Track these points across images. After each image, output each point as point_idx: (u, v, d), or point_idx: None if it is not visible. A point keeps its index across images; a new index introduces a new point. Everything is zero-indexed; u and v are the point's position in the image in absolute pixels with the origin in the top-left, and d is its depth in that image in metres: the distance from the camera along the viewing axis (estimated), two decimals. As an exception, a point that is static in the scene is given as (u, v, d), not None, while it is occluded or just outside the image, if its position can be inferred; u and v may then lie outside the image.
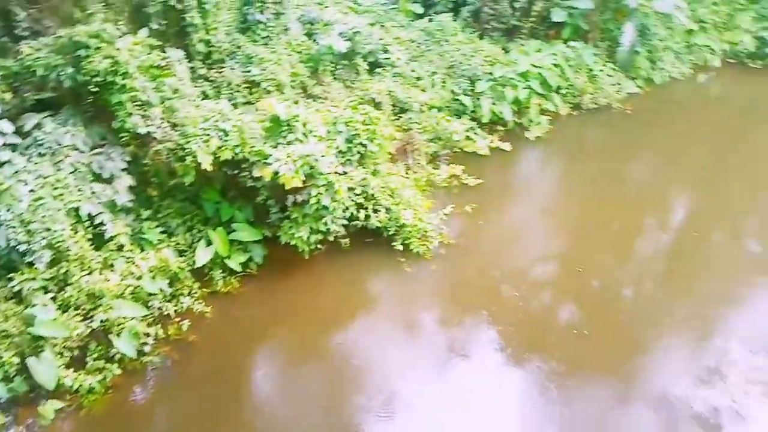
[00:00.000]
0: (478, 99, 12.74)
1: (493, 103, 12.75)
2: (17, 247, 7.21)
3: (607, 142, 13.56)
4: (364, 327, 8.84)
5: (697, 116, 14.55)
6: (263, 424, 7.57)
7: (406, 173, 11.01)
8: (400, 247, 9.59)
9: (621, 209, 11.52)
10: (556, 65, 13.47)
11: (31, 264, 7.33)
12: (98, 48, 7.89)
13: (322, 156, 8.53)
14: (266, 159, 8.40)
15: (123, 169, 8.41)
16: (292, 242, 8.78)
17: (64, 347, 7.23)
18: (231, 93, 9.92)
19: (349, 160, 9.29)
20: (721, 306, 9.78)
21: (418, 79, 12.53)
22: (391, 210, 9.54)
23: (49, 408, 6.88)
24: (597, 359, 8.80)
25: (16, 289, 7.24)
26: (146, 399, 7.58)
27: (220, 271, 8.78)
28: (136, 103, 8.19)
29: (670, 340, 9.28)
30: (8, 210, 7.13)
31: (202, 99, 9.26)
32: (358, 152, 9.33)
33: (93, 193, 8.04)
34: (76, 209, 7.79)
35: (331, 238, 9.17)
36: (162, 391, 7.70)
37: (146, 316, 7.91)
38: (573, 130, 13.50)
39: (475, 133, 12.41)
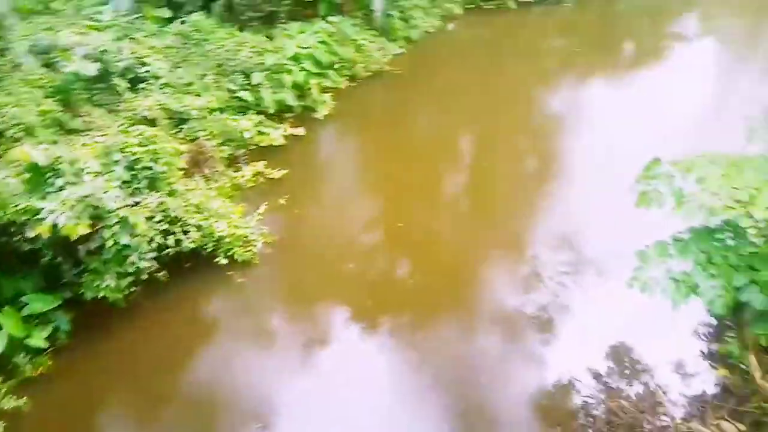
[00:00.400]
0: (258, 92, 12.59)
1: (274, 92, 12.72)
2: None
3: (388, 104, 14.44)
4: (216, 354, 8.38)
5: (455, 61, 16.18)
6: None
7: (207, 184, 10.53)
8: (225, 261, 9.21)
9: (418, 161, 12.45)
10: (322, 42, 13.83)
11: None
12: None
13: (105, 192, 7.73)
14: (38, 215, 7.35)
15: None
16: (100, 295, 7.89)
17: None
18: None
19: (137, 188, 8.55)
20: (521, 221, 11.23)
21: (189, 84, 11.92)
22: (203, 227, 9.07)
23: None
24: (437, 301, 9.54)
25: None
26: None
27: (23, 355, 7.56)
28: None
29: (491, 263, 10.45)
30: None
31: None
32: (145, 177, 8.63)
33: None
34: None
35: (146, 276, 8.44)
36: None
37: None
38: (356, 101, 14.10)
39: (266, 126, 12.29)
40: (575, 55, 16.43)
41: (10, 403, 7.13)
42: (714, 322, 8.79)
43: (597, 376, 8.37)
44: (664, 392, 8.09)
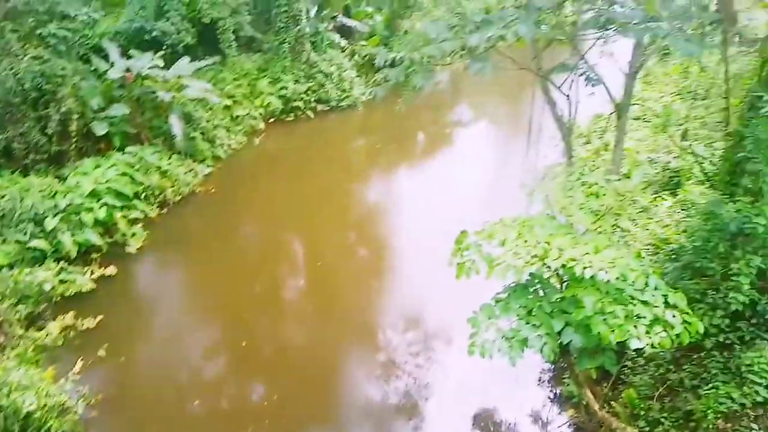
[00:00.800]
0: (54, 237, 11.35)
1: (74, 234, 11.58)
2: None
3: (205, 224, 14.03)
4: None
5: (267, 171, 16.55)
6: None
7: (3, 353, 8.93)
8: (37, 440, 7.72)
9: (249, 275, 12.15)
10: (123, 174, 13.14)
11: None
12: None
13: None
14: None
15: None
16: None
17: None
18: None
19: None
20: (364, 312, 11.37)
21: (-35, 245, 10.31)
22: (3, 407, 7.57)
23: None
24: (302, 413, 9.08)
25: None
26: None
27: None
28: None
29: (346, 360, 10.38)
30: None
31: None
32: None
33: None
34: None
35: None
36: None
37: None
38: (171, 227, 13.46)
39: (69, 273, 11.01)
40: (376, 150, 17.98)
41: None
42: (551, 367, 9.68)
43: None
44: (528, 445, 8.54)
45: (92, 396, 8.71)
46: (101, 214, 12.03)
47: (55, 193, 11.95)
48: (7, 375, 8.04)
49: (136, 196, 13.25)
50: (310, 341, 10.58)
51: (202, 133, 15.91)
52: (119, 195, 12.67)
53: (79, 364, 9.23)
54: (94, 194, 12.27)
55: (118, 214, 12.45)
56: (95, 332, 10.10)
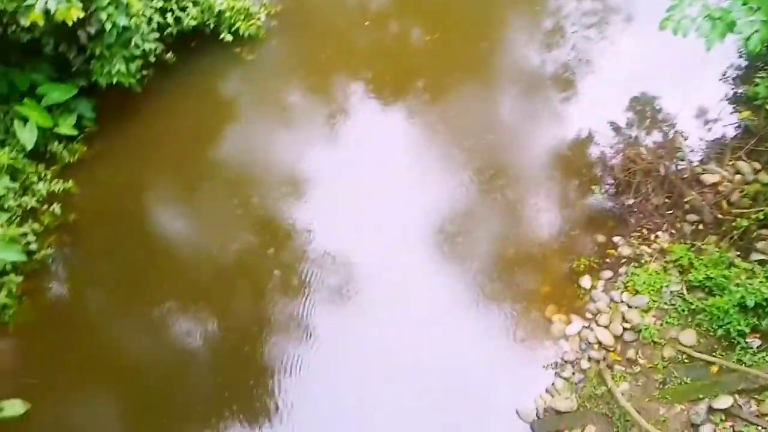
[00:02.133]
0: None
1: None
2: None
3: None
4: (233, 130, 8.61)
5: None
6: (182, 252, 7.77)
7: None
8: (230, 38, 8.80)
9: None
10: None
11: None
12: None
13: (90, -30, 7.13)
14: (25, 1, 6.94)
15: None
16: (114, 81, 7.86)
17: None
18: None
19: (124, -37, 7.83)
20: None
21: None
22: (199, 1, 8.50)
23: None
24: (456, 61, 9.21)
25: None
26: (66, 287, 7.48)
27: (57, 142, 7.95)
28: None
29: (511, 18, 9.77)
30: None
31: None
32: (127, -53, 7.83)
33: None
34: None
35: (153, 59, 8.26)
36: (76, 273, 7.57)
37: (9, 218, 7.31)
38: None
39: None
40: None
41: (59, 185, 7.74)
42: (745, 63, 8.41)
43: (617, 128, 8.41)
44: (683, 138, 8.15)
45: (272, 6, 9.37)
46: None
47: None
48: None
49: None
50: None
51: None
52: None
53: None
54: None
55: None
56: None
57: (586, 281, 7.25)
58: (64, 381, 6.89)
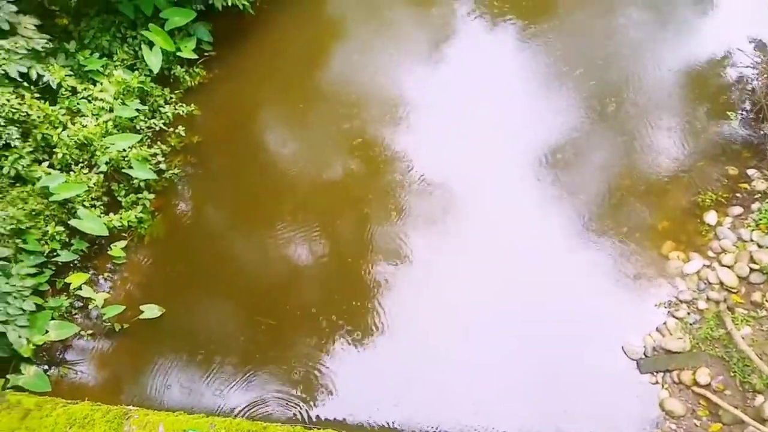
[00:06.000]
0: None
1: None
2: (-20, 138, 6.98)
3: None
4: (343, 51, 8.60)
5: None
6: (294, 173, 8.04)
7: None
8: (337, -45, 8.62)
9: None
10: None
11: (7, 146, 7.19)
12: None
13: None
14: None
15: (16, 12, 7.42)
16: (230, 3, 8.01)
17: (92, 199, 7.55)
18: None
19: None
20: None
21: None
22: None
23: (116, 249, 7.54)
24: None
25: (12, 173, 7.27)
26: (191, 205, 8.06)
27: (179, 66, 8.34)
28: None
29: None
30: (-59, 109, 6.69)
31: None
32: None
33: (7, 51, 7.29)
34: (6, 74, 7.21)
35: (264, -18, 8.31)
36: (200, 192, 8.12)
37: (141, 140, 7.93)
38: None
39: None
40: None
41: (183, 109, 8.23)
42: None
43: (761, 45, 7.43)
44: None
45: None
46: None
47: None
48: None
49: None
50: None
51: None
52: None
53: None
54: None
55: None
56: None
57: (711, 217, 6.76)
58: (189, 289, 7.64)
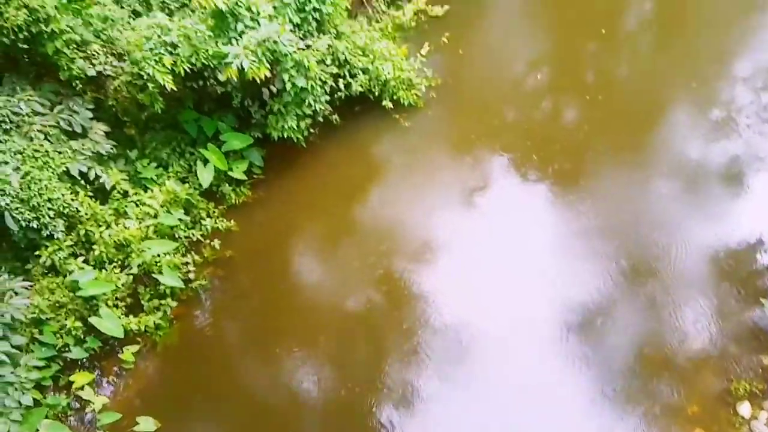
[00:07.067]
0: None
1: None
2: (30, 225, 7.27)
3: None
4: (381, 190, 9.01)
5: None
6: (316, 300, 8.10)
7: (370, 25, 10.40)
8: (391, 105, 9.36)
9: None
10: None
11: (50, 236, 7.46)
12: (6, 2, 7.19)
13: (279, 36, 8.02)
14: (225, 59, 7.96)
15: (91, 118, 8.12)
16: (285, 135, 8.63)
17: (116, 299, 7.61)
18: (161, 1, 9.13)
19: (307, 31, 8.74)
20: (716, 55, 9.64)
21: None
22: (369, 69, 9.17)
23: (128, 353, 7.44)
24: (608, 141, 8.99)
25: (48, 263, 7.45)
26: (209, 319, 8.07)
27: (228, 185, 8.81)
28: (72, 47, 7.66)
29: (675, 103, 9.35)
30: (3, 194, 7.08)
31: (135, 18, 8.59)
32: (314, 19, 8.74)
33: (74, 151, 7.87)
34: (67, 171, 7.71)
35: (321, 119, 8.99)
36: (221, 307, 8.18)
37: (177, 248, 8.15)
38: None
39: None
40: None
41: (223, 224, 8.54)
42: None
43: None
44: None
45: (433, 79, 9.83)
46: None
47: None
48: (373, 44, 9.47)
49: None
50: (639, 75, 9.71)
51: None
52: None
53: (426, 47, 10.17)
54: None
55: None
56: (441, 21, 10.78)
57: (745, 409, 6.42)
58: (191, 406, 7.39)
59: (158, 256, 7.83)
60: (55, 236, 7.45)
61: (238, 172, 8.71)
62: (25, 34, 7.32)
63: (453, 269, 8.11)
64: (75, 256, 7.64)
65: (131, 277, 7.69)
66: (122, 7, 8.71)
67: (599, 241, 8.07)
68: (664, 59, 9.73)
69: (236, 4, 8.14)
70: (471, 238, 8.34)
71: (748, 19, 10.11)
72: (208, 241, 8.43)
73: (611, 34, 10.38)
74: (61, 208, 7.42)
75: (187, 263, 8.13)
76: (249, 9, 8.21)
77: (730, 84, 9.14)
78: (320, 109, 8.70)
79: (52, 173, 7.52)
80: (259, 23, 8.18)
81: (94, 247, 7.66)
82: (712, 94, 9.23)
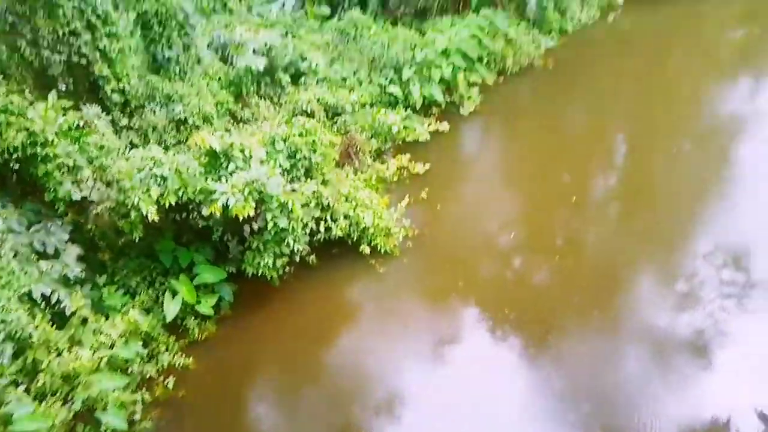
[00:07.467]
0: (406, 87, 12.81)
1: (423, 87, 12.85)
2: (-26, 348, 6.78)
3: (538, 100, 13.91)
4: (350, 337, 8.82)
5: (613, 54, 15.11)
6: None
7: (356, 175, 10.98)
8: (368, 250, 9.56)
9: (565, 161, 11.87)
10: (472, 36, 13.66)
11: (-7, 362, 6.93)
12: (9, 123, 7.48)
13: (268, 178, 8.39)
14: (212, 195, 8.19)
15: (67, 241, 8.04)
16: (259, 272, 8.61)
17: (49, 438, 6.87)
18: (159, 136, 9.62)
19: (295, 176, 9.17)
20: (680, 229, 10.24)
21: (344, 79, 12.48)
22: (350, 216, 9.49)
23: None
24: (576, 309, 9.07)
25: (-16, 392, 6.82)
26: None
27: (193, 318, 8.54)
28: (63, 171, 7.84)
29: (641, 275, 9.68)
30: (-46, 312, 6.71)
31: (131, 149, 8.95)
32: (303, 166, 9.23)
33: (41, 272, 7.65)
34: (28, 293, 7.41)
35: (297, 259, 9.05)
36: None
37: (128, 384, 7.61)
38: (503, 97, 13.78)
39: (412, 121, 12.47)
40: (757, 48, 14.52)
41: (180, 360, 8.10)
42: None
43: (766, 419, 7.41)
44: None
45: (410, 229, 10.17)
46: (447, 72, 12.96)
47: (414, 46, 13.22)
48: (357, 192, 9.93)
49: (479, 60, 13.76)
50: (607, 245, 10.07)
51: (556, 3, 15.15)
52: (465, 57, 13.34)
53: (406, 200, 10.70)
54: (444, 53, 13.19)
55: (460, 76, 13.23)
56: (422, 177, 11.49)
57: None
58: None
59: (106, 391, 7.26)
60: (1, 361, 6.93)
61: (206, 307, 8.49)
62: (19, 154, 7.51)
63: (417, 428, 7.67)
64: (17, 384, 7.04)
65: (73, 412, 7.04)
66: (120, 138, 9.10)
67: (567, 406, 7.81)
68: (631, 228, 10.31)
69: (230, 146, 8.60)
70: (437, 394, 8.01)
71: (711, 195, 10.95)
72: (162, 378, 7.93)
73: (582, 202, 11.07)
74: (13, 332, 7.00)
75: (135, 402, 7.53)
76: (242, 151, 8.66)
77: (692, 258, 9.59)
78: (298, 249, 8.81)
79: (13, 294, 7.21)
80: (250, 165, 8.58)
81: (40, 376, 7.10)
82: (676, 267, 9.62)
